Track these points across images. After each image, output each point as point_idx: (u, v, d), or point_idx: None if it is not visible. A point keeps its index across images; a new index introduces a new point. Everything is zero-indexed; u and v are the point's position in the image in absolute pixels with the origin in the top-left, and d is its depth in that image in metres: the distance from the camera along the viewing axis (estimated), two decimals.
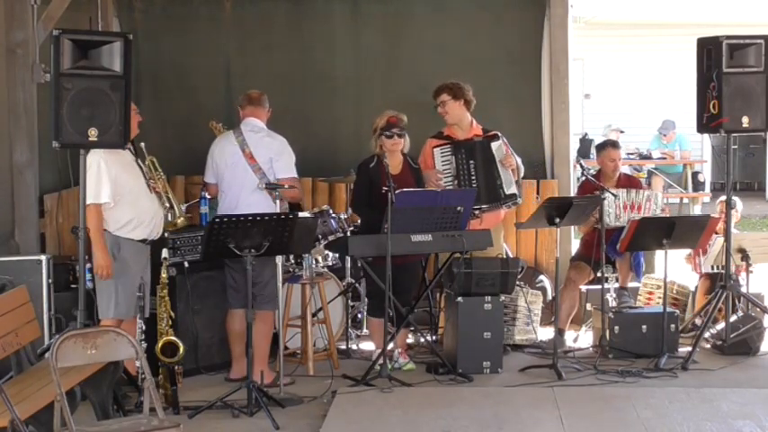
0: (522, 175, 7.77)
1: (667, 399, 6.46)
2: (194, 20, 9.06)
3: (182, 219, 7.10)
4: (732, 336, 7.51)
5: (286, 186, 6.80)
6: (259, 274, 6.66)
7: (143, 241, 6.54)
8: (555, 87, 8.83)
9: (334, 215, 7.41)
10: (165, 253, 6.73)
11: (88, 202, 6.28)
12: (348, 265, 8.03)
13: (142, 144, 6.74)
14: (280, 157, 6.93)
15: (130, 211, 6.44)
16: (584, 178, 8.18)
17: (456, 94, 7.57)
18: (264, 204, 6.73)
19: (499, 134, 7.62)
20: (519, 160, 7.69)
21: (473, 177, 7.50)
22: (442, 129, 7.70)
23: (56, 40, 6.00)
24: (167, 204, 6.86)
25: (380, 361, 6.82)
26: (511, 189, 7.54)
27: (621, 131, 15.31)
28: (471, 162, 7.50)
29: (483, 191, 7.44)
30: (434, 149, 7.56)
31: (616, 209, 7.83)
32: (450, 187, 7.44)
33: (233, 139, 6.97)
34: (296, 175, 7.01)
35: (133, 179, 6.50)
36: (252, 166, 6.86)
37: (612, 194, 7.73)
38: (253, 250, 6.23)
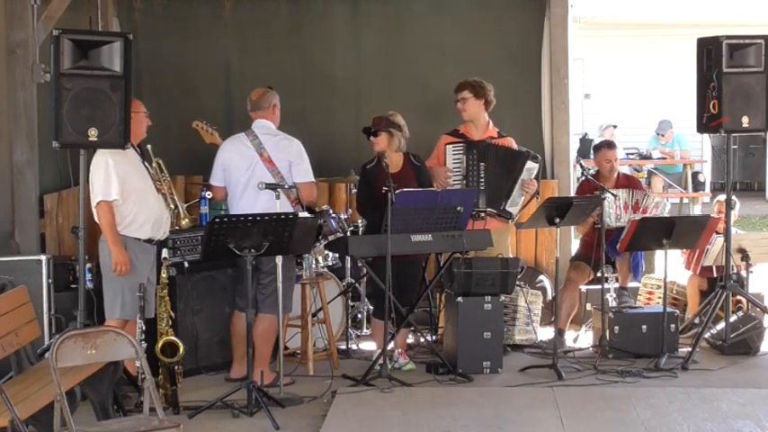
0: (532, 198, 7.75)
1: (667, 399, 6.46)
2: (194, 20, 9.07)
3: (186, 220, 7.11)
4: (732, 336, 7.52)
5: (286, 187, 6.79)
6: (274, 280, 6.65)
7: (149, 241, 6.54)
8: (555, 87, 8.84)
9: (334, 215, 7.41)
10: (165, 253, 6.75)
11: (98, 199, 6.30)
12: (348, 265, 8.03)
13: (149, 146, 6.75)
14: (300, 162, 6.90)
15: (138, 210, 6.44)
16: (583, 178, 8.19)
17: (478, 92, 7.55)
18: (282, 208, 6.66)
19: (539, 157, 7.60)
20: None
21: (481, 179, 7.47)
22: (458, 126, 7.67)
23: (56, 40, 6.01)
24: (172, 206, 6.86)
25: (380, 361, 6.82)
26: (512, 208, 7.49)
27: (614, 126, 15.32)
28: (482, 164, 7.47)
29: (485, 194, 7.42)
30: (447, 146, 7.54)
31: (616, 209, 7.84)
32: (459, 186, 7.43)
33: (247, 142, 6.91)
34: (314, 179, 6.99)
35: (140, 179, 6.50)
36: (271, 170, 6.84)
37: (612, 194, 7.74)
38: (253, 250, 6.23)
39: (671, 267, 7.58)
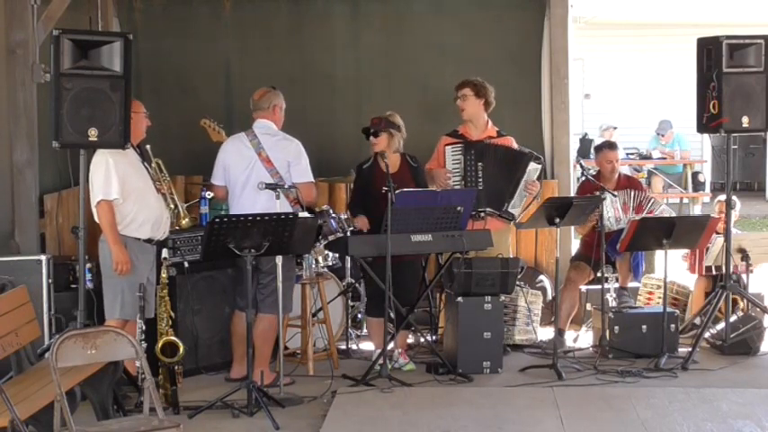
0: (534, 200, 7.74)
1: (667, 399, 6.46)
2: (194, 20, 9.07)
3: (186, 220, 7.11)
4: (732, 336, 7.51)
5: (285, 187, 6.78)
6: (273, 279, 6.65)
7: (149, 241, 6.54)
8: (555, 87, 8.84)
9: (334, 215, 7.40)
10: (165, 253, 6.75)
11: (98, 198, 6.30)
12: (348, 265, 8.03)
13: (148, 146, 6.75)
14: (298, 162, 6.90)
15: (138, 210, 6.44)
16: (584, 178, 8.19)
17: (479, 91, 7.55)
18: (281, 208, 6.65)
19: (542, 158, 7.61)
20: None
21: (480, 179, 7.46)
22: (458, 127, 7.68)
23: (56, 40, 6.01)
24: (172, 206, 6.87)
25: (380, 361, 6.82)
26: (514, 209, 7.49)
27: (615, 128, 15.33)
28: (480, 164, 7.47)
29: (485, 194, 7.40)
30: (446, 147, 7.54)
31: (615, 212, 7.84)
32: (458, 187, 7.43)
33: (246, 142, 6.92)
34: (313, 180, 6.99)
35: (140, 179, 6.51)
36: (269, 170, 6.84)
37: (612, 194, 7.74)
38: (253, 250, 6.23)
39: (671, 267, 7.58)
